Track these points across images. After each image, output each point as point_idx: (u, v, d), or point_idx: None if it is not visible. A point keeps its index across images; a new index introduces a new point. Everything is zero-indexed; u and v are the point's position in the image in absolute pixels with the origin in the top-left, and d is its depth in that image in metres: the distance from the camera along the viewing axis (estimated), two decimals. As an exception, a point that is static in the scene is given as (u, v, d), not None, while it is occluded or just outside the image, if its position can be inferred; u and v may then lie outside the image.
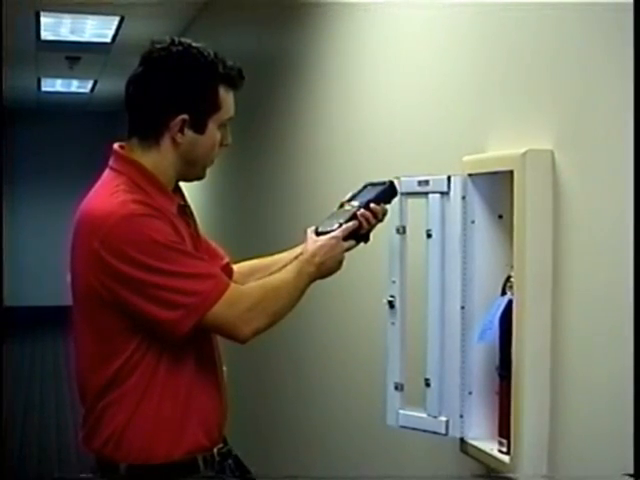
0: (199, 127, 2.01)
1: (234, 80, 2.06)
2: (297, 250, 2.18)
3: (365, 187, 2.15)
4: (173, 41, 2.03)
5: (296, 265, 2.06)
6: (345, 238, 2.08)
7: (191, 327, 1.93)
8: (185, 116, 1.99)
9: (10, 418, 6.24)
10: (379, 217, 2.10)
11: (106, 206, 1.94)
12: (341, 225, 2.08)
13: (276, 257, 2.32)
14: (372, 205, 2.08)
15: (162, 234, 1.92)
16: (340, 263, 2.09)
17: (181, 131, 2.00)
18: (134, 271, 1.91)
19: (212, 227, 5.04)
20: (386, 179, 2.13)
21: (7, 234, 11.35)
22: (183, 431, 2.02)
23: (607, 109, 1.68)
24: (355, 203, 2.11)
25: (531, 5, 1.93)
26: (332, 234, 2.07)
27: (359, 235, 2.09)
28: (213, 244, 2.25)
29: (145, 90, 2.03)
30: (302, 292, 2.07)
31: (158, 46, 2.02)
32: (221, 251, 2.27)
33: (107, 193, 1.98)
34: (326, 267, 2.07)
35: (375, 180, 2.16)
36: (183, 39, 2.05)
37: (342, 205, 2.14)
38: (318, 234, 2.10)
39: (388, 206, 2.12)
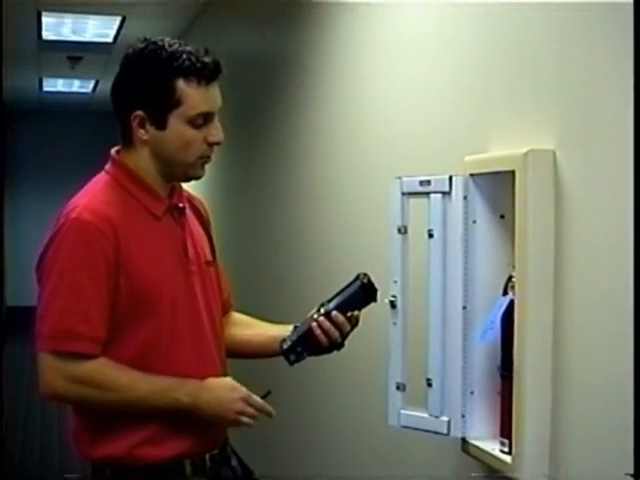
0: (159, 123, 1.98)
1: (199, 73, 1.96)
2: (281, 328, 2.14)
3: (356, 279, 2.04)
4: (142, 40, 2.01)
5: (170, 386, 1.96)
6: (299, 347, 2.00)
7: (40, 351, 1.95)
8: (140, 112, 1.98)
9: (11, 418, 6.24)
10: (342, 328, 2.01)
11: (70, 207, 1.99)
12: (293, 343, 2.00)
13: (261, 323, 2.27)
14: (334, 314, 2.00)
15: (84, 255, 1.92)
16: (224, 413, 1.96)
17: (142, 127, 1.99)
18: (42, 273, 1.97)
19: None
20: (366, 279, 2.02)
21: (8, 234, 11.37)
22: (167, 434, 2.00)
23: (608, 109, 1.68)
24: (322, 310, 2.01)
25: (533, 5, 1.92)
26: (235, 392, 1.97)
27: (320, 346, 2.00)
28: (222, 274, 2.23)
29: (111, 91, 2.05)
30: (153, 408, 1.96)
31: (129, 47, 2.03)
32: (225, 284, 2.24)
33: (85, 193, 2.03)
34: (207, 407, 1.96)
35: (368, 276, 2.03)
36: (157, 37, 2.01)
37: (321, 305, 2.05)
38: (280, 347, 2.03)
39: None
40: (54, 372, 1.93)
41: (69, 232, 1.93)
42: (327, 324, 2.00)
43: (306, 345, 2.01)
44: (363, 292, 2.02)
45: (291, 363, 2.03)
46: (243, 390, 2.00)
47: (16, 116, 11.12)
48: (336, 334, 2.01)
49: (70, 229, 1.93)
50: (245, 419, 1.98)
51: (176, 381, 1.98)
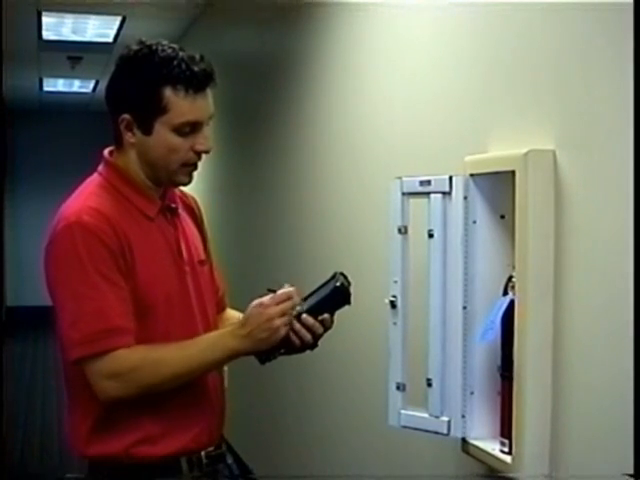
0: (145, 128, 1.97)
1: (188, 82, 1.94)
2: None
3: (331, 279, 1.99)
4: (138, 42, 2.00)
5: (216, 337, 1.97)
6: (271, 347, 1.95)
7: (76, 361, 1.93)
8: (127, 116, 1.98)
9: (11, 418, 6.24)
10: (314, 330, 1.96)
11: (66, 210, 1.98)
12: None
13: None
14: (304, 316, 1.95)
15: (93, 254, 1.91)
16: (271, 332, 1.92)
17: (130, 131, 1.99)
18: (55, 280, 1.95)
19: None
20: (339, 282, 1.96)
21: (8, 234, 11.37)
22: (163, 432, 2.00)
23: (609, 109, 1.68)
24: (294, 311, 1.94)
25: (533, 6, 1.93)
26: (262, 300, 1.93)
27: (291, 347, 1.96)
28: (216, 272, 2.23)
29: (105, 91, 2.05)
30: (211, 366, 1.98)
31: (125, 47, 2.02)
32: (219, 282, 2.24)
33: (79, 196, 2.03)
34: (255, 338, 1.92)
35: (344, 277, 1.98)
36: (153, 40, 1.99)
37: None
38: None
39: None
40: (104, 375, 1.91)
41: (73, 236, 1.92)
42: (297, 326, 1.96)
43: (277, 345, 1.96)
44: (336, 295, 1.97)
45: (262, 362, 1.99)
46: (264, 300, 1.94)
47: (16, 116, 11.12)
48: (307, 336, 1.97)
49: (73, 232, 1.92)
50: (284, 319, 1.93)
51: (216, 332, 2.00)
